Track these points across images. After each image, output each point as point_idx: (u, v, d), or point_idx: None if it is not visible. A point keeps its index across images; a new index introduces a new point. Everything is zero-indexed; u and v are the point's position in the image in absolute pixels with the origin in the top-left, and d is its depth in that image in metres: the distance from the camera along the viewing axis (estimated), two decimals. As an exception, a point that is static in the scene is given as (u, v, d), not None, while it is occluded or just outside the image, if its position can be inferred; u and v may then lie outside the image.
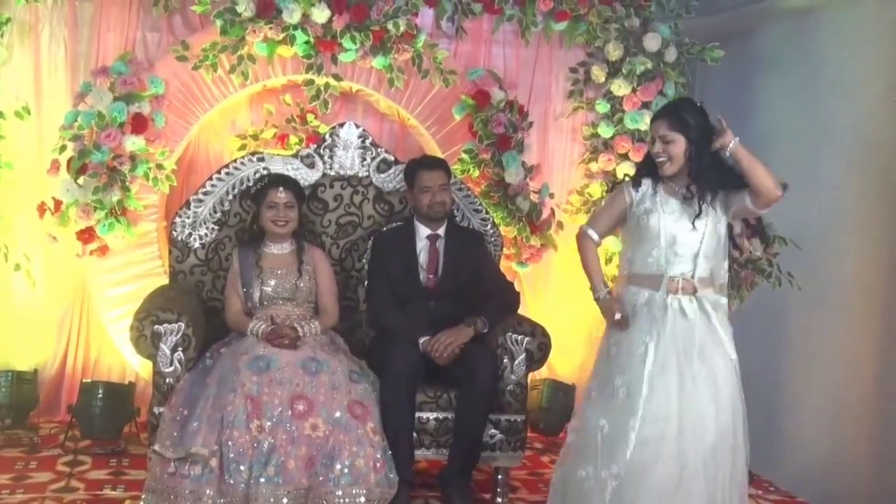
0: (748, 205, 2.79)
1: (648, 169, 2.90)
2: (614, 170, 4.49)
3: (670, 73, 4.44)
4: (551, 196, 4.46)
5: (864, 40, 3.85)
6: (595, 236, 2.96)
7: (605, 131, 4.49)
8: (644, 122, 4.39)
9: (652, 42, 4.41)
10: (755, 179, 2.72)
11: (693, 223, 2.80)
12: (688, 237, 2.81)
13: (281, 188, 3.48)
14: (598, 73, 4.46)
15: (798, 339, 4.18)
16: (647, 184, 2.89)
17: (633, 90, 4.43)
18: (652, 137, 2.85)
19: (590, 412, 2.85)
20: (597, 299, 2.92)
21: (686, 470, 2.71)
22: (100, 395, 3.86)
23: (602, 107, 4.49)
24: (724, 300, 2.89)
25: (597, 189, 4.54)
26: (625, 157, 4.47)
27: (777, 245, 3.89)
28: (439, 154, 4.25)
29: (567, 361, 4.54)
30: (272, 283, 3.45)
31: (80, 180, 3.96)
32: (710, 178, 2.78)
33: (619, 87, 4.42)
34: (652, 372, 2.75)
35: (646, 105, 4.44)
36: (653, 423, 2.71)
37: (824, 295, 3.95)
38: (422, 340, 3.37)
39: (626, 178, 3.03)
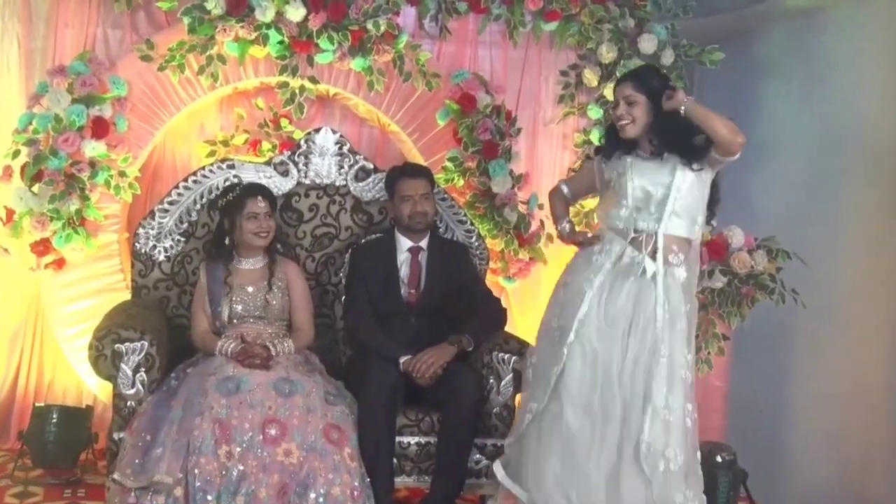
0: (714, 154, 2.98)
1: (614, 138, 3.11)
2: (607, 179, 4.52)
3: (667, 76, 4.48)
4: (540, 207, 4.47)
5: (869, 42, 3.91)
6: (566, 190, 3.34)
7: (598, 138, 4.52)
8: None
9: (647, 44, 4.45)
10: (713, 132, 2.91)
11: (672, 175, 2.97)
12: (658, 192, 2.99)
13: (260, 197, 3.49)
14: (591, 77, 4.50)
15: (802, 359, 4.22)
16: (614, 153, 3.11)
17: (627, 95, 4.46)
18: (616, 100, 3.07)
19: (532, 347, 3.25)
20: (559, 231, 3.26)
21: (601, 430, 2.93)
22: (54, 420, 3.81)
23: (594, 112, 4.53)
24: (690, 275, 3.05)
25: (589, 200, 4.57)
26: (619, 165, 4.50)
27: (780, 259, 3.92)
28: (422, 162, 4.27)
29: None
30: (242, 300, 3.45)
31: (35, 188, 3.94)
32: (673, 131, 2.96)
33: (613, 92, 4.45)
34: (582, 321, 3.00)
35: (641, 110, 4.47)
36: (572, 379, 2.97)
37: (830, 312, 3.99)
38: (402, 360, 3.38)
39: (594, 151, 3.33)
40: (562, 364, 2.99)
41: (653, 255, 2.98)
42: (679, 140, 2.97)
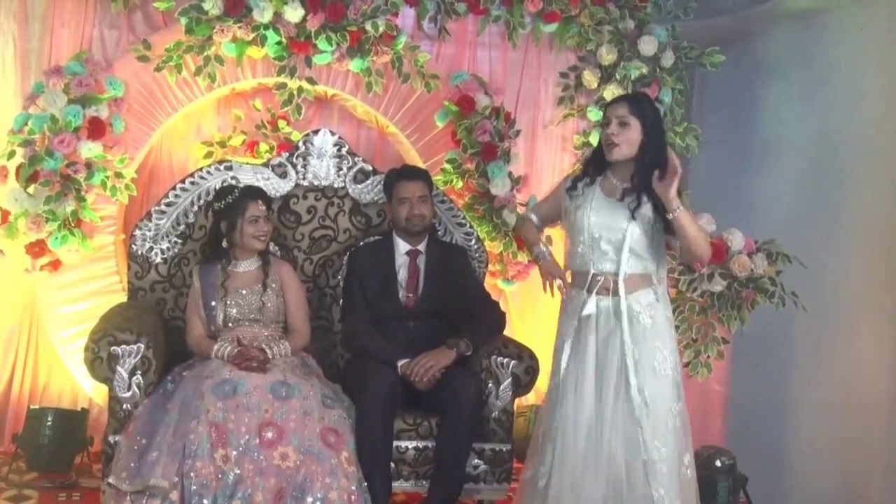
0: (671, 242, 2.99)
1: (596, 161, 3.05)
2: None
3: (667, 78, 4.49)
4: (540, 209, 4.49)
5: (871, 43, 3.92)
6: (535, 218, 3.24)
7: (597, 140, 4.51)
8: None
9: (648, 45, 4.45)
10: (692, 249, 2.89)
11: (632, 214, 2.90)
12: (614, 233, 2.93)
13: (260, 200, 3.49)
14: (590, 79, 4.50)
15: (803, 363, 4.22)
16: (584, 181, 3.04)
17: (627, 97, 4.46)
18: (607, 119, 2.96)
19: (542, 411, 3.16)
20: (536, 257, 3.14)
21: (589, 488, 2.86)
22: (49, 423, 3.82)
23: (594, 114, 4.53)
24: (661, 303, 2.97)
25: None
26: (619, 167, 4.51)
27: (781, 262, 3.93)
28: (420, 163, 4.27)
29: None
30: (237, 303, 3.44)
31: (31, 189, 3.93)
32: (648, 172, 2.89)
33: (613, 94, 4.45)
34: (565, 373, 2.97)
35: (641, 113, 4.47)
36: (564, 430, 2.92)
37: (831, 316, 3.99)
38: (400, 363, 3.38)
39: (573, 170, 3.25)
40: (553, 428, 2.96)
41: (612, 296, 2.92)
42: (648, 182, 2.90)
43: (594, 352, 2.93)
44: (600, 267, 2.94)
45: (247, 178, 3.79)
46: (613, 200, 2.96)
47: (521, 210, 4.38)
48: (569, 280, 3.06)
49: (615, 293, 2.92)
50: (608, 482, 2.85)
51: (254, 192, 3.53)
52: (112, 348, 3.19)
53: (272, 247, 3.72)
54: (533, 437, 3.13)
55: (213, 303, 3.44)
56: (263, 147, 4.39)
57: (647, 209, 2.91)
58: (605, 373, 2.90)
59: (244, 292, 3.47)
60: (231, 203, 3.48)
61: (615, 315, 2.92)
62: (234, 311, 3.44)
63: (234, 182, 3.74)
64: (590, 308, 2.93)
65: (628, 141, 2.91)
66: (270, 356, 3.30)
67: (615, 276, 2.92)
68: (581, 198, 3.00)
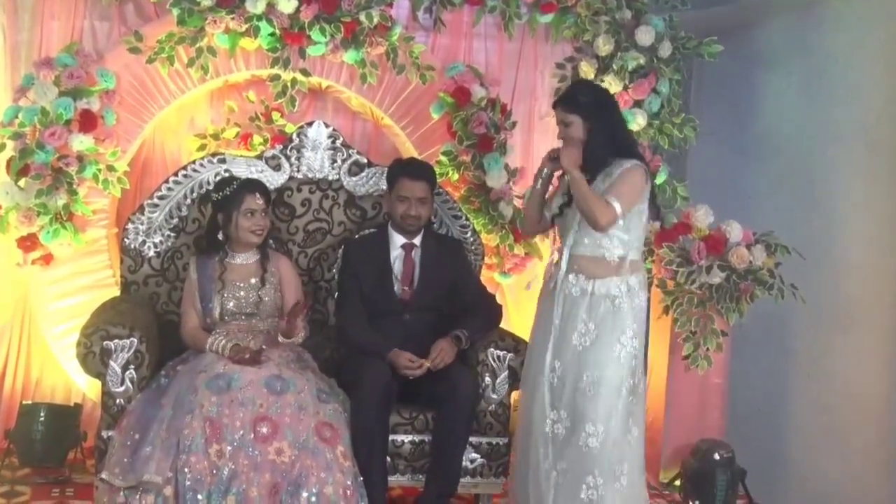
0: None
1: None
2: (604, 173, 4.53)
3: (664, 69, 4.48)
4: (537, 201, 4.49)
5: (869, 34, 3.92)
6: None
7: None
8: (637, 122, 4.43)
9: (645, 36, 4.44)
10: (580, 208, 3.03)
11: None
12: (570, 215, 3.10)
13: (257, 193, 3.49)
14: (587, 69, 4.49)
15: (803, 356, 4.23)
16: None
17: (625, 87, 4.46)
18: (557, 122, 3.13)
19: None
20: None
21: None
22: (41, 419, 3.82)
23: (591, 106, 4.52)
24: (628, 284, 3.05)
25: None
26: (616, 159, 4.51)
27: (779, 254, 3.94)
28: (415, 156, 4.27)
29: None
30: (234, 297, 3.45)
31: (22, 182, 3.92)
32: (601, 152, 3.05)
33: (610, 85, 4.45)
34: (531, 346, 3.19)
35: (638, 104, 4.47)
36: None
37: (830, 310, 4.00)
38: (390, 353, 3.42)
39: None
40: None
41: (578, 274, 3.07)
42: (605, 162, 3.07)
43: (553, 327, 3.09)
44: (569, 245, 3.10)
45: (240, 170, 3.79)
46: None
47: (517, 203, 4.38)
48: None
49: (559, 269, 3.09)
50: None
51: (252, 185, 3.53)
52: (105, 343, 3.19)
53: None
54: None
55: (210, 296, 3.44)
56: (257, 139, 4.38)
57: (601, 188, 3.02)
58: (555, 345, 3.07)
59: (241, 286, 3.47)
60: (228, 195, 3.48)
61: (579, 294, 3.05)
62: (231, 304, 3.44)
63: (227, 175, 3.74)
64: (554, 275, 3.12)
65: (576, 137, 3.07)
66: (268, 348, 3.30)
67: (560, 252, 3.12)
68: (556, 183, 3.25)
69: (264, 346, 3.34)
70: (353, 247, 3.73)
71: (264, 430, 3.03)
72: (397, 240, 3.66)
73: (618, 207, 2.96)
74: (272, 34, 4.10)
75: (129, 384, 3.23)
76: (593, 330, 3.01)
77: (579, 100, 3.09)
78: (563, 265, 3.08)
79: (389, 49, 4.23)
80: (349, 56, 4.21)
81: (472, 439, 3.43)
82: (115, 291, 3.94)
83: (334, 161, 3.92)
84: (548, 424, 3.01)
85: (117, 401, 3.22)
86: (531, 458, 3.04)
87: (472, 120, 4.29)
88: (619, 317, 3.00)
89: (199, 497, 2.91)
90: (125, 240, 3.74)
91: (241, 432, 3.01)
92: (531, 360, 3.17)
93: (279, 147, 3.92)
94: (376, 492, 3.20)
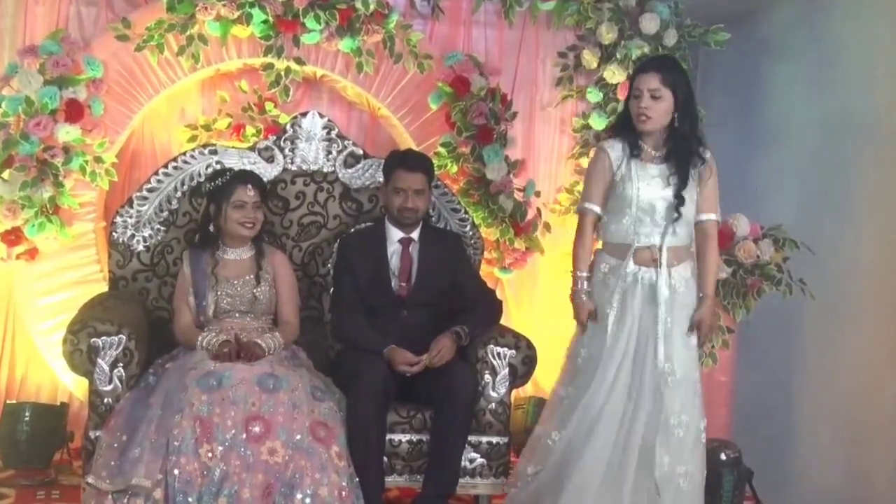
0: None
1: (623, 127, 3.13)
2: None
3: (669, 58, 4.46)
4: (537, 194, 4.47)
5: (882, 20, 3.89)
6: (597, 209, 3.17)
7: (598, 123, 4.51)
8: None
9: (649, 24, 4.43)
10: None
11: (675, 192, 3.04)
12: (662, 204, 3.05)
13: (250, 185, 3.46)
14: (590, 58, 4.48)
15: (811, 353, 4.21)
16: (621, 146, 3.12)
17: (629, 77, 4.44)
18: (637, 91, 3.04)
19: (558, 382, 3.28)
20: (574, 294, 3.19)
21: (621, 455, 3.03)
22: (27, 418, 3.81)
23: (594, 95, 4.51)
24: (693, 276, 3.12)
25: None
26: (619, 151, 4.49)
27: (788, 248, 3.92)
28: (413, 147, 4.24)
29: (554, 377, 4.49)
30: (228, 294, 3.42)
31: (6, 174, 3.91)
32: (689, 145, 3.04)
33: (613, 74, 4.44)
34: (612, 343, 3.08)
35: (642, 94, 4.46)
36: (597, 392, 3.07)
37: (840, 306, 3.98)
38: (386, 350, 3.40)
39: (604, 137, 3.35)
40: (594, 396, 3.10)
41: (658, 268, 3.06)
42: (686, 155, 3.06)
43: (636, 323, 3.07)
44: (645, 240, 3.06)
45: (232, 162, 3.77)
46: (655, 170, 3.06)
47: (518, 196, 4.36)
48: (604, 254, 3.20)
49: (659, 264, 3.05)
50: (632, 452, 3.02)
51: (244, 177, 3.50)
52: (92, 340, 3.17)
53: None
54: (548, 404, 3.31)
55: (204, 292, 3.41)
56: (250, 130, 4.37)
57: (690, 185, 3.04)
58: (642, 343, 3.07)
59: (235, 282, 3.44)
60: (219, 185, 3.45)
61: (655, 286, 3.05)
62: (226, 301, 3.42)
63: (219, 167, 3.72)
64: (630, 269, 3.07)
65: (661, 113, 3.02)
66: (267, 352, 3.28)
67: (659, 248, 3.05)
68: (626, 166, 3.08)
69: (259, 342, 3.30)
70: (348, 241, 3.71)
71: (257, 429, 3.00)
72: (394, 234, 3.64)
73: (718, 217, 3.15)
74: (265, 21, 4.08)
75: (118, 383, 3.20)
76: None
77: (678, 77, 3.03)
78: (665, 255, 3.07)
79: (386, 37, 4.22)
80: (345, 44, 4.19)
81: (472, 438, 3.41)
82: (103, 287, 3.91)
83: (329, 153, 3.90)
84: (671, 427, 3.04)
85: (105, 400, 3.19)
86: (625, 472, 3.02)
87: (471, 110, 4.28)
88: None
89: (190, 499, 2.89)
90: (113, 234, 3.71)
91: (233, 432, 2.98)
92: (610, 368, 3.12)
93: (272, 138, 3.90)
94: (373, 493, 3.18)
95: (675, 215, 3.05)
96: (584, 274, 3.19)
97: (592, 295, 3.17)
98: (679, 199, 3.04)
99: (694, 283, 3.13)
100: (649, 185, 3.06)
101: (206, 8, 3.98)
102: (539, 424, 3.30)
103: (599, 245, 3.25)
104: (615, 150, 3.12)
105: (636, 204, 3.05)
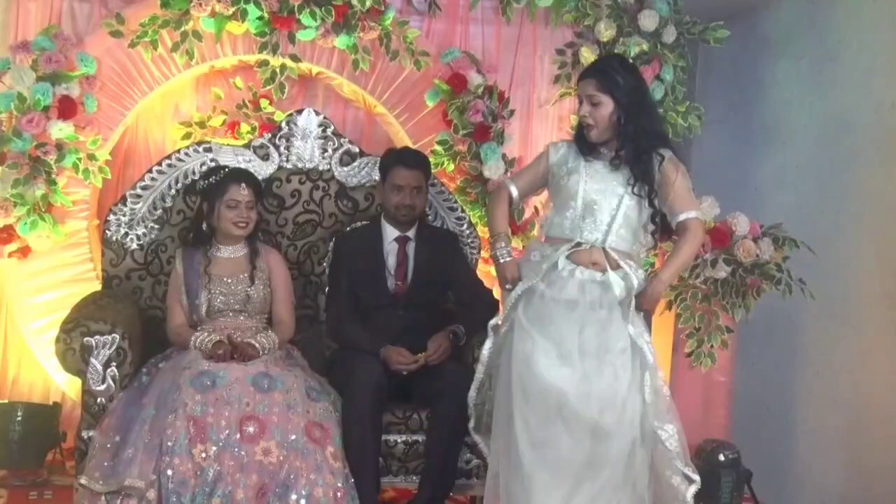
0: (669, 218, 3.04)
1: (582, 140, 3.03)
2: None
3: (668, 55, 4.47)
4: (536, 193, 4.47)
5: (884, 17, 3.89)
6: (514, 191, 3.12)
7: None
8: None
9: (648, 20, 4.43)
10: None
11: (631, 188, 2.94)
12: (606, 203, 2.95)
13: (243, 184, 3.45)
14: (588, 55, 4.47)
15: (811, 354, 4.22)
16: (572, 145, 3.05)
17: (627, 74, 4.45)
18: (579, 98, 2.99)
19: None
20: (495, 257, 3.07)
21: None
22: (19, 418, 3.81)
23: (592, 93, 4.50)
24: (637, 279, 2.98)
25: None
26: (618, 149, 4.49)
27: (787, 248, 3.92)
28: (409, 144, 4.24)
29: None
30: (222, 293, 3.41)
31: (-2, 172, 3.90)
32: (640, 146, 2.93)
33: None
34: (526, 327, 2.92)
35: (641, 91, 4.46)
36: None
37: (840, 305, 3.98)
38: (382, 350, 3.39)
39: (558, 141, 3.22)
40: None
41: (598, 270, 2.95)
42: (639, 155, 2.94)
43: (577, 325, 2.90)
44: (588, 236, 2.95)
45: (227, 160, 3.76)
46: (607, 168, 2.98)
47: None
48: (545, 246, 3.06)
49: (601, 266, 2.93)
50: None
51: (238, 175, 3.49)
52: (85, 339, 3.16)
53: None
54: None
55: (197, 291, 3.41)
56: (245, 128, 4.37)
57: (639, 187, 2.94)
58: (586, 347, 2.88)
59: (228, 281, 3.43)
60: (213, 184, 3.45)
61: (602, 288, 2.93)
62: (219, 300, 3.41)
63: (213, 164, 3.71)
64: (562, 264, 2.94)
65: (602, 119, 2.93)
66: (261, 352, 3.27)
67: (602, 246, 2.95)
68: (574, 161, 3.01)
69: (252, 342, 3.30)
70: (344, 239, 3.71)
71: (251, 429, 3.00)
72: (390, 232, 3.64)
73: (698, 213, 3.03)
74: (260, 18, 4.08)
75: (111, 382, 3.19)
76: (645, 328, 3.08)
77: (616, 79, 2.92)
78: (609, 254, 2.98)
79: (382, 34, 4.22)
80: (341, 41, 4.18)
81: (468, 439, 3.39)
82: (96, 286, 3.92)
83: (325, 150, 3.89)
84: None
85: (98, 400, 3.18)
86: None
87: (468, 108, 4.28)
88: None
89: (184, 500, 2.87)
90: (107, 232, 3.71)
91: (227, 432, 2.98)
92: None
93: (268, 136, 3.90)
94: (368, 494, 3.17)
95: (622, 215, 2.95)
96: (503, 232, 3.08)
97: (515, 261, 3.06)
98: (644, 202, 2.96)
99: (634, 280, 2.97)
100: (596, 183, 2.96)
101: (200, 4, 3.98)
102: None
103: (541, 237, 3.17)
104: (559, 151, 3.07)
105: (581, 198, 2.95)
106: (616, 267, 2.94)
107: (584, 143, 3.02)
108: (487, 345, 3.11)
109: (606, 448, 2.84)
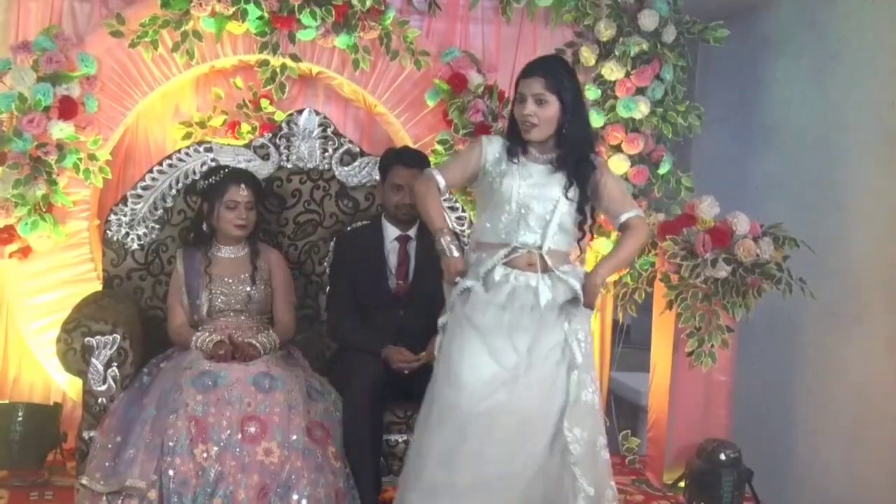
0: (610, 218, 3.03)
1: (514, 136, 2.94)
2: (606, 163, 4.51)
3: (668, 54, 4.47)
4: (536, 192, 4.48)
5: (885, 17, 3.90)
6: (441, 181, 2.94)
7: (596, 120, 4.50)
8: (640, 110, 4.42)
9: (648, 20, 4.43)
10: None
11: (565, 190, 2.88)
12: (544, 205, 2.87)
13: (243, 185, 3.46)
14: (588, 55, 4.48)
15: (811, 354, 4.22)
16: (502, 144, 2.94)
17: (627, 74, 4.45)
18: (521, 96, 2.87)
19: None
20: (441, 251, 2.88)
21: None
22: (19, 419, 3.79)
23: (592, 93, 4.51)
24: (576, 281, 2.91)
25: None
26: (617, 148, 4.50)
27: (787, 247, 3.92)
28: (409, 144, 4.25)
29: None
30: (223, 293, 3.42)
31: (-1, 172, 3.90)
32: (582, 150, 2.89)
33: (612, 71, 4.45)
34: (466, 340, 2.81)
35: (641, 91, 4.46)
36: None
37: (841, 305, 3.99)
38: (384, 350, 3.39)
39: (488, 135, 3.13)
40: None
41: (534, 273, 2.86)
42: (578, 160, 2.89)
43: (508, 325, 2.82)
44: (523, 240, 2.87)
45: (227, 159, 3.77)
46: (543, 171, 2.91)
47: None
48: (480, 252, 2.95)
49: (536, 269, 2.86)
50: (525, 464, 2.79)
51: (238, 176, 3.50)
52: (86, 339, 3.17)
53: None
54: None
55: (198, 291, 3.42)
56: (245, 127, 4.36)
57: (573, 190, 2.89)
58: (518, 348, 2.81)
59: (229, 281, 3.44)
60: (213, 183, 3.46)
61: (535, 293, 2.85)
62: (220, 300, 3.42)
63: (213, 164, 3.72)
64: (499, 273, 2.85)
65: (547, 120, 2.86)
66: (262, 351, 3.28)
67: (539, 249, 2.87)
68: (506, 165, 2.90)
69: (253, 342, 3.31)
70: (345, 239, 3.71)
71: (252, 429, 3.01)
72: (391, 232, 3.64)
73: (639, 212, 2.99)
74: (260, 17, 4.08)
75: (112, 382, 3.20)
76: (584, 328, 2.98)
77: (564, 81, 2.85)
78: (547, 259, 2.90)
79: (383, 34, 4.22)
80: (341, 41, 4.19)
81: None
82: (97, 286, 3.92)
83: (325, 150, 3.90)
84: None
85: (99, 400, 3.19)
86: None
87: (468, 107, 4.28)
88: None
89: (185, 500, 2.88)
90: (107, 232, 3.72)
91: (228, 432, 2.99)
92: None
93: (268, 135, 3.91)
94: (369, 494, 3.18)
95: (558, 218, 2.88)
96: (445, 227, 2.91)
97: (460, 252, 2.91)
98: (575, 206, 2.90)
99: (578, 288, 2.90)
100: (531, 187, 2.88)
101: (200, 4, 3.98)
102: None
103: (473, 244, 3.01)
104: (493, 145, 2.95)
105: (516, 202, 2.86)
106: (546, 270, 2.87)
107: (516, 144, 2.92)
108: (437, 341, 3.00)
109: (531, 448, 2.79)
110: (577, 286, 2.88)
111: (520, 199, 2.87)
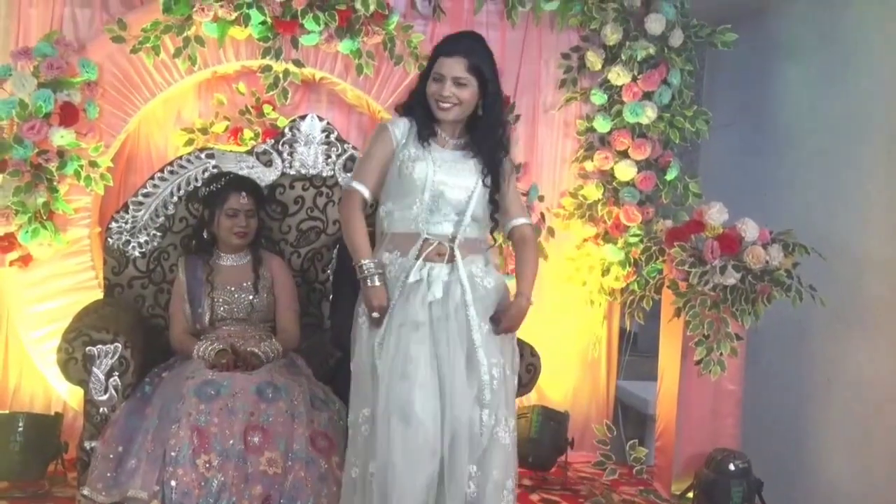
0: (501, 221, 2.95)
1: (415, 107, 2.86)
2: (612, 169, 4.50)
3: (675, 59, 4.47)
4: (541, 199, 4.47)
5: (895, 21, 3.90)
6: (366, 192, 2.85)
7: (602, 125, 4.51)
8: (647, 115, 4.41)
9: (655, 24, 4.43)
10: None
11: (482, 181, 2.82)
12: (459, 193, 2.81)
13: (243, 193, 3.46)
14: (594, 60, 4.48)
15: (821, 361, 4.21)
16: (409, 125, 2.85)
17: (634, 79, 4.45)
18: (439, 75, 2.78)
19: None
20: (364, 279, 2.77)
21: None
22: (20, 429, 3.78)
23: (598, 98, 4.51)
24: (491, 267, 2.88)
25: (592, 191, 4.55)
26: (624, 154, 4.49)
27: (798, 254, 3.91)
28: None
29: (559, 385, 4.53)
30: (225, 301, 3.42)
31: (-1, 179, 3.90)
32: (500, 135, 2.85)
33: (618, 76, 4.44)
34: (398, 344, 2.72)
35: (648, 96, 4.46)
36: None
37: (851, 312, 3.98)
38: None
39: (395, 113, 3.00)
40: None
41: (448, 263, 2.77)
42: (494, 145, 2.85)
43: (428, 322, 2.73)
44: (435, 230, 2.79)
45: (230, 166, 3.77)
46: (457, 157, 2.85)
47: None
48: (390, 245, 2.85)
49: (449, 259, 2.77)
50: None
51: (239, 184, 3.50)
52: (87, 348, 3.16)
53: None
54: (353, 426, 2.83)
55: (200, 299, 3.41)
56: (248, 134, 4.36)
57: (489, 179, 2.85)
58: (443, 344, 2.73)
59: (232, 289, 3.44)
60: (214, 191, 3.46)
61: (452, 283, 2.77)
62: (222, 309, 3.42)
63: (216, 171, 3.72)
64: (416, 275, 2.75)
65: (465, 102, 2.79)
66: (265, 360, 3.28)
67: (451, 240, 2.79)
68: (416, 150, 2.82)
69: (257, 350, 3.30)
70: (348, 246, 3.69)
71: (255, 439, 3.00)
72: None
73: (530, 220, 3.00)
74: (263, 23, 4.08)
75: (114, 392, 3.19)
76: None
77: (484, 66, 2.76)
78: (457, 250, 2.81)
79: (386, 38, 4.21)
80: (344, 46, 4.19)
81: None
82: (98, 294, 3.91)
83: (328, 156, 3.90)
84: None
85: (101, 409, 3.18)
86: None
87: (473, 113, 4.26)
88: None
89: (187, 511, 2.88)
90: (109, 240, 3.71)
91: (231, 442, 2.98)
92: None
93: (270, 142, 3.91)
94: (373, 505, 3.16)
95: (473, 206, 2.81)
96: (368, 261, 2.78)
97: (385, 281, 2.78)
98: (488, 193, 2.84)
99: (493, 274, 2.84)
100: (444, 172, 2.79)
101: (203, 9, 3.98)
102: None
103: (383, 236, 2.90)
104: (400, 128, 2.84)
105: (429, 190, 2.77)
106: (452, 261, 2.78)
107: (425, 127, 2.83)
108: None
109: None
110: (495, 298, 2.83)
111: (433, 187, 2.78)
